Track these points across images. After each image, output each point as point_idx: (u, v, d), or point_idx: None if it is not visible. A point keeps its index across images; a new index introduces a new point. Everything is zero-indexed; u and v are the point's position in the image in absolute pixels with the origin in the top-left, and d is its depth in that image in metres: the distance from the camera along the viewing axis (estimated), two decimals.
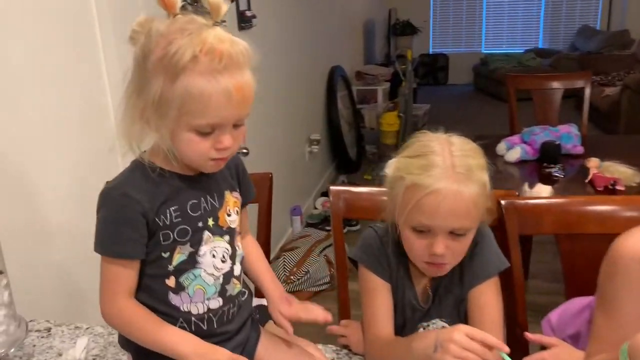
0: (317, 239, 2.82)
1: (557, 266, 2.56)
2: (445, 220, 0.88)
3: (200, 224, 0.87)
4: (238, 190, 0.97)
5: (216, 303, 0.90)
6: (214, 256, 0.88)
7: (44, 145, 1.23)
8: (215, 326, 0.90)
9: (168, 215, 0.83)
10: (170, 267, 0.85)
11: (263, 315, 1.05)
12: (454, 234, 0.89)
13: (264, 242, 1.46)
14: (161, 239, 0.84)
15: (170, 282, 0.86)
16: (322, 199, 3.56)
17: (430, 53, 7.80)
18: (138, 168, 0.82)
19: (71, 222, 1.30)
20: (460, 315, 0.99)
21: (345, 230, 1.37)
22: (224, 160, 0.83)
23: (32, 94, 1.18)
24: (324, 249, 2.75)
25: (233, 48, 0.75)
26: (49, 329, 1.09)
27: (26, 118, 1.18)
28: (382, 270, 1.01)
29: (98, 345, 1.03)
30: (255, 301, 1.10)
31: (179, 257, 0.85)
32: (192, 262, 0.86)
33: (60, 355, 1.00)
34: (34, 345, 1.04)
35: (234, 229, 0.93)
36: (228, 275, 0.91)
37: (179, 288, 0.86)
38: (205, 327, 0.89)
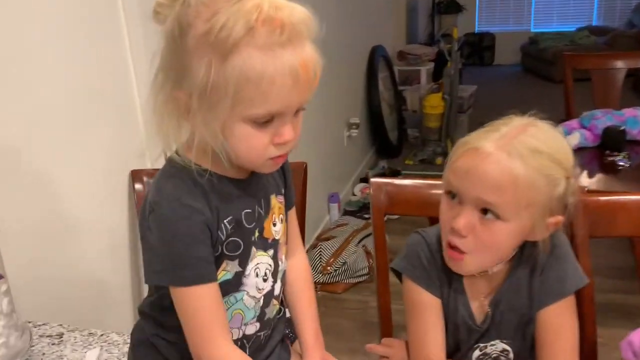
0: (355, 228, 2.69)
1: (614, 261, 2.35)
2: (473, 186, 0.74)
3: (252, 238, 0.74)
4: (283, 193, 0.83)
5: (253, 328, 0.78)
6: (257, 275, 0.76)
7: (61, 136, 1.13)
8: (247, 353, 0.78)
9: (223, 228, 0.70)
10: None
11: (294, 330, 0.93)
12: (482, 213, 0.75)
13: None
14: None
15: None
16: (361, 185, 3.42)
17: (476, 32, 7.48)
18: (183, 171, 0.68)
19: (90, 218, 1.21)
20: (526, 337, 0.84)
21: (384, 219, 1.23)
22: (283, 158, 0.70)
23: (46, 81, 1.08)
24: (363, 238, 2.62)
25: (294, 16, 0.61)
26: (61, 335, 0.99)
27: (44, 109, 1.08)
28: (432, 283, 0.86)
29: (112, 356, 0.93)
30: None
31: (223, 275, 0.72)
32: (236, 283, 0.74)
33: None
34: (43, 354, 0.94)
35: (277, 240, 0.79)
36: (268, 297, 0.78)
37: None
38: None
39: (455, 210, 0.78)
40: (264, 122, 0.64)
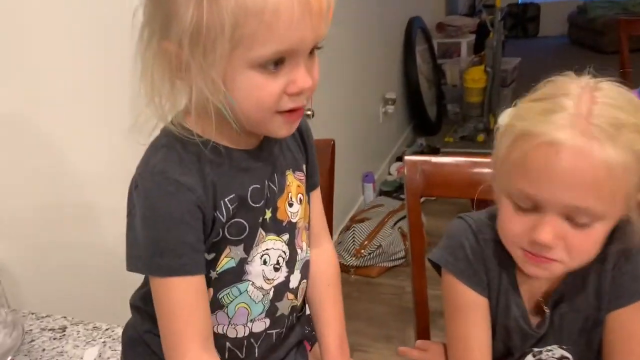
0: (391, 210, 2.56)
1: None
2: (560, 192, 0.58)
3: (260, 219, 0.63)
4: (304, 170, 0.72)
5: (261, 325, 0.68)
6: (265, 262, 0.65)
7: (77, 115, 1.04)
8: (256, 354, 0.68)
9: (223, 208, 0.59)
10: (213, 274, 0.62)
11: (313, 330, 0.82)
12: (571, 218, 0.60)
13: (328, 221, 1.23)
14: (209, 235, 0.60)
15: (207, 295, 0.63)
16: (398, 164, 3.28)
17: (519, 2, 7.13)
18: (177, 141, 0.58)
19: (106, 202, 1.12)
20: (591, 343, 0.70)
21: (422, 200, 1.11)
22: (298, 115, 0.59)
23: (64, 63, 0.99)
24: (399, 220, 2.49)
25: None
26: (64, 328, 0.91)
27: (63, 90, 0.99)
28: (478, 280, 0.74)
29: (115, 353, 0.85)
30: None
31: (226, 262, 0.62)
32: (239, 272, 0.63)
33: None
34: (43, 350, 0.86)
35: (295, 224, 0.68)
36: (281, 289, 0.67)
37: (216, 306, 0.64)
38: (243, 356, 0.68)
39: (530, 220, 0.62)
40: (274, 64, 0.54)
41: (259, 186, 0.63)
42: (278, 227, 0.67)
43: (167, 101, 0.57)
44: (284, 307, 0.69)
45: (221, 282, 0.63)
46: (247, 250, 0.63)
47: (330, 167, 1.20)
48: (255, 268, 0.64)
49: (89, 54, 1.07)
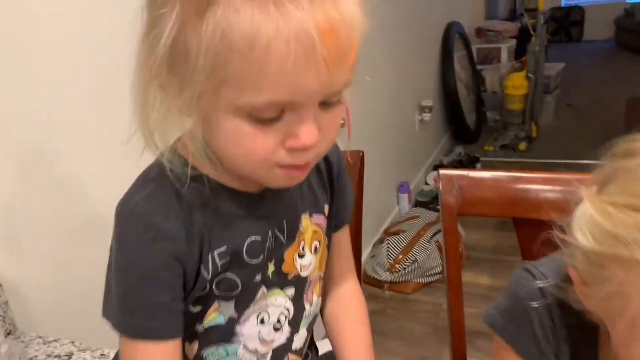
0: (427, 222, 2.46)
1: None
2: None
3: (258, 277, 0.54)
4: (325, 211, 0.61)
5: None
6: (262, 322, 0.56)
7: (90, 127, 0.99)
8: None
9: (211, 262, 0.50)
10: (200, 328, 0.54)
11: None
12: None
13: (353, 236, 1.14)
14: (193, 289, 0.52)
15: (191, 349, 0.54)
16: (435, 174, 3.16)
17: (563, 6, 6.91)
18: (166, 178, 0.49)
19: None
20: None
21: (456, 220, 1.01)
22: (303, 170, 0.49)
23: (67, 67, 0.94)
24: (436, 233, 2.38)
25: None
26: (70, 355, 0.86)
27: (69, 105, 0.95)
28: (543, 355, 0.60)
29: None
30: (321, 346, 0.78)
31: (214, 317, 0.54)
32: (229, 332, 0.54)
33: None
34: None
35: (305, 278, 0.59)
36: (282, 351, 0.59)
37: None
38: None
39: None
40: (270, 118, 0.43)
41: (259, 239, 0.54)
42: (282, 281, 0.57)
43: (155, 125, 0.47)
44: None
45: (208, 339, 0.55)
46: (241, 309, 0.55)
47: (360, 180, 1.12)
48: (249, 329, 0.56)
49: (102, 62, 1.02)
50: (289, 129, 0.44)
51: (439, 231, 2.40)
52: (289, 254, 0.57)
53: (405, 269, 2.25)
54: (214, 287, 0.52)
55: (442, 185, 1.00)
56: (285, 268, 0.57)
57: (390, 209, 2.75)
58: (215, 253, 0.51)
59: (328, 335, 0.68)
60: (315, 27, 0.39)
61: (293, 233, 0.57)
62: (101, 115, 1.03)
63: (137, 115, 0.47)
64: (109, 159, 1.06)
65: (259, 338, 0.56)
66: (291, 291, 0.58)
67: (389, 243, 2.33)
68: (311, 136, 0.45)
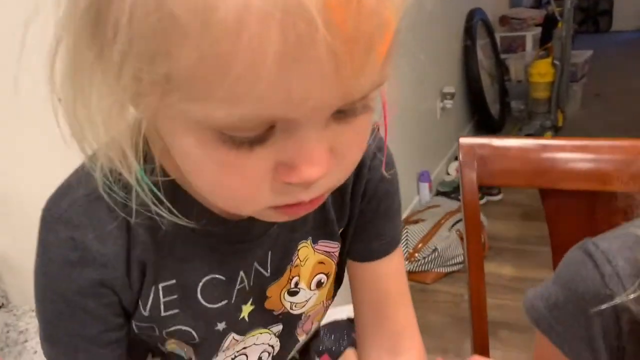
0: (448, 211, 2.38)
1: None
2: None
3: (220, 325, 0.43)
4: (338, 234, 0.47)
5: None
6: None
7: None
8: None
9: (152, 295, 0.40)
10: (163, 348, 0.45)
11: (337, 336, 0.66)
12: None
13: None
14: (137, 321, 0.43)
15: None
16: (456, 163, 3.07)
17: None
18: (107, 180, 0.37)
19: None
20: None
21: (483, 201, 0.93)
22: (307, 206, 0.35)
23: None
24: (457, 222, 2.31)
25: None
26: None
27: None
28: None
29: None
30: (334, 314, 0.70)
31: (173, 348, 0.45)
32: None
33: None
34: (35, 352, 0.76)
35: (296, 316, 0.48)
36: None
37: None
38: None
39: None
40: (248, 138, 0.29)
41: (222, 278, 0.42)
42: (266, 319, 0.47)
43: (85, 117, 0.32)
44: None
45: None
46: (204, 357, 0.46)
47: None
48: None
49: None
50: (281, 153, 0.30)
51: (460, 220, 2.32)
52: (273, 291, 0.46)
53: (424, 258, 2.17)
54: (163, 333, 0.43)
55: (461, 155, 0.93)
56: (268, 305, 0.47)
57: (410, 198, 2.68)
58: (160, 286, 0.41)
59: None
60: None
61: (281, 266, 0.46)
62: None
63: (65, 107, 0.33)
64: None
65: None
66: (278, 328, 0.49)
67: (408, 232, 2.25)
68: (316, 167, 0.30)
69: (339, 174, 0.34)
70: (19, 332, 0.80)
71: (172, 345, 0.45)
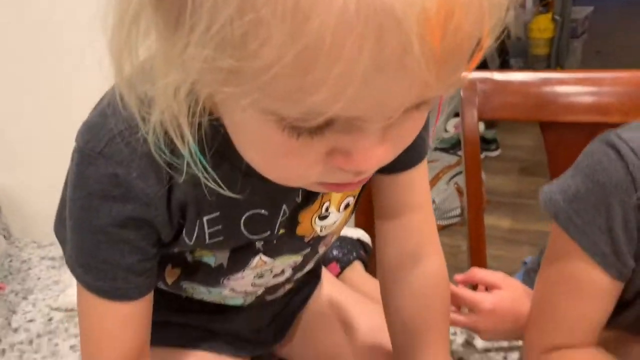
0: (446, 165, 2.38)
1: None
2: None
3: (257, 245, 0.45)
4: None
5: (238, 301, 0.54)
6: (259, 276, 0.48)
7: None
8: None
9: (197, 226, 0.43)
10: (189, 257, 0.46)
11: (346, 249, 0.66)
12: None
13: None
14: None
15: (171, 275, 0.47)
16: (456, 120, 3.06)
17: None
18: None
19: None
20: None
21: (482, 157, 0.94)
22: (354, 185, 0.37)
23: None
24: (455, 175, 2.32)
25: None
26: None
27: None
28: (621, 265, 0.48)
29: None
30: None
31: (202, 256, 0.46)
32: (214, 278, 0.47)
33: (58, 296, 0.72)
34: (39, 278, 0.78)
35: (322, 237, 0.49)
36: (275, 288, 0.53)
37: (175, 287, 0.49)
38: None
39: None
40: (310, 127, 0.29)
41: (264, 211, 0.44)
42: (295, 245, 0.49)
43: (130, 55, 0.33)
44: (277, 292, 0.55)
45: (192, 272, 0.47)
46: (234, 269, 0.47)
47: None
48: (242, 282, 0.48)
49: None
50: (338, 141, 0.31)
51: (457, 174, 2.33)
52: (304, 216, 0.47)
53: None
54: (205, 246, 0.45)
55: (462, 91, 0.93)
56: (300, 231, 0.48)
57: None
58: (204, 219, 0.42)
59: (389, 327, 0.56)
60: (414, 14, 0.23)
61: (314, 192, 0.46)
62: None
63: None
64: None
65: (252, 284, 0.50)
66: (305, 251, 0.50)
67: None
68: (371, 159, 0.31)
69: (386, 160, 0.34)
70: (21, 261, 0.81)
71: (203, 252, 0.46)
